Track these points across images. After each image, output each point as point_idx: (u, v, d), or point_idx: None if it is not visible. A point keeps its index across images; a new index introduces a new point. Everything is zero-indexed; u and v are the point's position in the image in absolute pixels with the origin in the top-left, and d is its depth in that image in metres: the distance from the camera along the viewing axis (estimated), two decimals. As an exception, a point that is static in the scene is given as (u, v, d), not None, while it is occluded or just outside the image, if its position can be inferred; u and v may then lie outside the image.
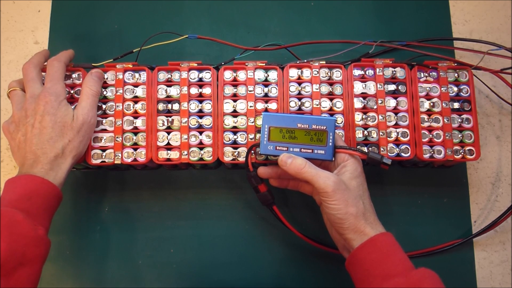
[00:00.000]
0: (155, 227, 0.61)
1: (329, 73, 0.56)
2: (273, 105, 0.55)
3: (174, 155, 0.54)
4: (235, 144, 0.55)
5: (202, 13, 0.67)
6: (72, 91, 0.55)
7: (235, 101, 0.55)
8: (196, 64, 0.56)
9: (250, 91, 0.55)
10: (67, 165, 0.51)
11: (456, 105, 0.56)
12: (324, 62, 0.57)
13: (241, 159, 0.54)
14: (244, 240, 0.60)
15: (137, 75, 0.56)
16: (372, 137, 0.55)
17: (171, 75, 0.56)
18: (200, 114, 0.55)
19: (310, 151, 0.51)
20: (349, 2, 0.67)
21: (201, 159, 0.54)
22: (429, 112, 0.56)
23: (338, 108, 0.55)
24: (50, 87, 0.52)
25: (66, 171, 0.51)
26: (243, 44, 0.58)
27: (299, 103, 0.55)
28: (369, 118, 0.55)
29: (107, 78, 0.56)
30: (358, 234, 0.47)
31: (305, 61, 0.57)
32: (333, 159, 0.51)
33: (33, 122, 0.50)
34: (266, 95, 0.56)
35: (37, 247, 0.45)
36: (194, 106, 0.55)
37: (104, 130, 0.55)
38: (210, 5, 0.67)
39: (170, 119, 0.55)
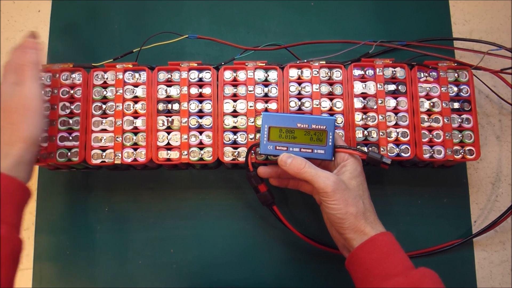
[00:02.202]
0: (155, 227, 0.61)
1: (329, 73, 0.56)
2: (273, 105, 0.55)
3: (174, 155, 0.54)
4: (235, 144, 0.55)
5: (202, 13, 0.67)
6: (72, 91, 0.55)
7: (235, 101, 0.55)
8: (196, 64, 0.56)
9: (250, 91, 0.55)
10: (17, 151, 0.46)
11: (456, 105, 0.56)
12: (324, 62, 0.57)
13: (241, 159, 0.54)
14: (244, 240, 0.60)
15: (137, 75, 0.56)
16: (372, 137, 0.55)
17: (171, 75, 0.56)
18: (200, 114, 0.55)
19: (310, 150, 0.51)
20: (349, 2, 0.67)
21: (201, 159, 0.54)
22: (429, 112, 0.56)
23: (338, 108, 0.55)
24: None
25: (18, 158, 0.46)
26: (243, 44, 0.58)
27: (299, 103, 0.55)
28: (369, 118, 0.55)
29: (107, 78, 0.56)
30: (358, 233, 0.46)
31: (305, 61, 0.57)
32: (333, 158, 0.51)
33: None
34: (266, 95, 0.56)
35: None
36: (194, 106, 0.55)
37: (104, 130, 0.55)
38: (210, 5, 0.67)
39: (170, 119, 0.55)
